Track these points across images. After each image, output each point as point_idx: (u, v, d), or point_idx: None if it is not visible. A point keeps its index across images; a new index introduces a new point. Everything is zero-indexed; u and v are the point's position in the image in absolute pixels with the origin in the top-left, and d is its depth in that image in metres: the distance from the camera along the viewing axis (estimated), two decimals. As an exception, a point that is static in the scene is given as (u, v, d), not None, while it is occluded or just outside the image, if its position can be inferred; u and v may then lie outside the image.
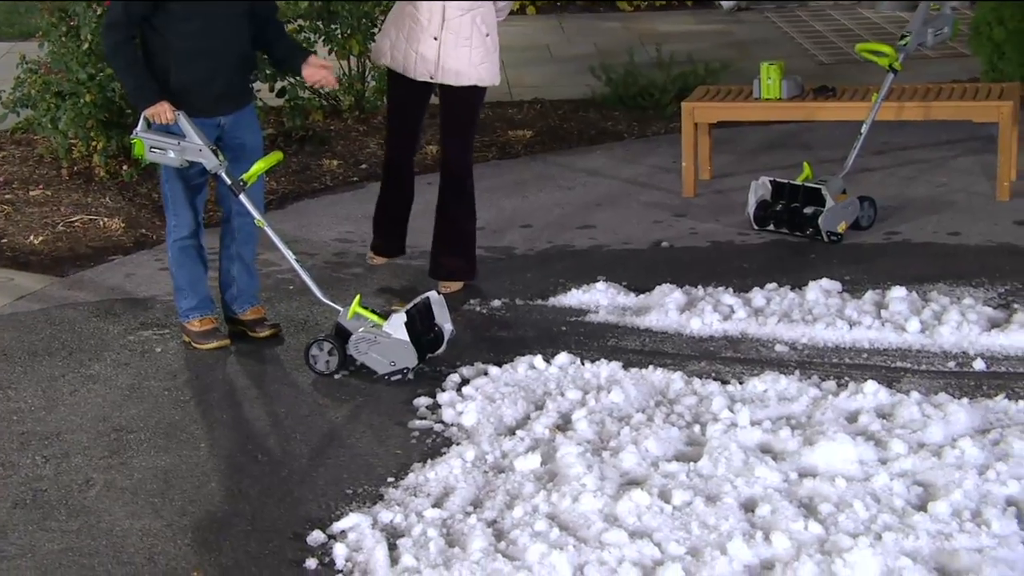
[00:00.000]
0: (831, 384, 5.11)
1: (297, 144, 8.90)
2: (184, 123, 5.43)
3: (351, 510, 4.39)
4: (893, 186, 7.61)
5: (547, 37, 12.48)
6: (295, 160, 8.68)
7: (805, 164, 7.02)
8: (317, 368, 5.46)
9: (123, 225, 7.57)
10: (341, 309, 5.48)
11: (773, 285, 6.10)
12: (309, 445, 4.94)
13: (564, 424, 4.89)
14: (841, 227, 6.76)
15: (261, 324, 5.89)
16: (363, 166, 8.62)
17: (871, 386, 4.95)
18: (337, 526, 4.28)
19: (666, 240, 7.01)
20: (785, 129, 8.80)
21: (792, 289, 6.03)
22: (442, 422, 5.05)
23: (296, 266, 5.64)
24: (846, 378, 5.16)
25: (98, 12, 7.95)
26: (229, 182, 5.51)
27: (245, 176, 5.52)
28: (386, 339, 5.32)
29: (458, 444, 4.83)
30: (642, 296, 6.12)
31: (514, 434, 4.85)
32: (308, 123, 9.08)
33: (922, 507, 4.15)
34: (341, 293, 6.38)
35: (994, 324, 5.54)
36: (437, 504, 4.39)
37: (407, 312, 5.39)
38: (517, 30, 12.87)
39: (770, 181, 7.01)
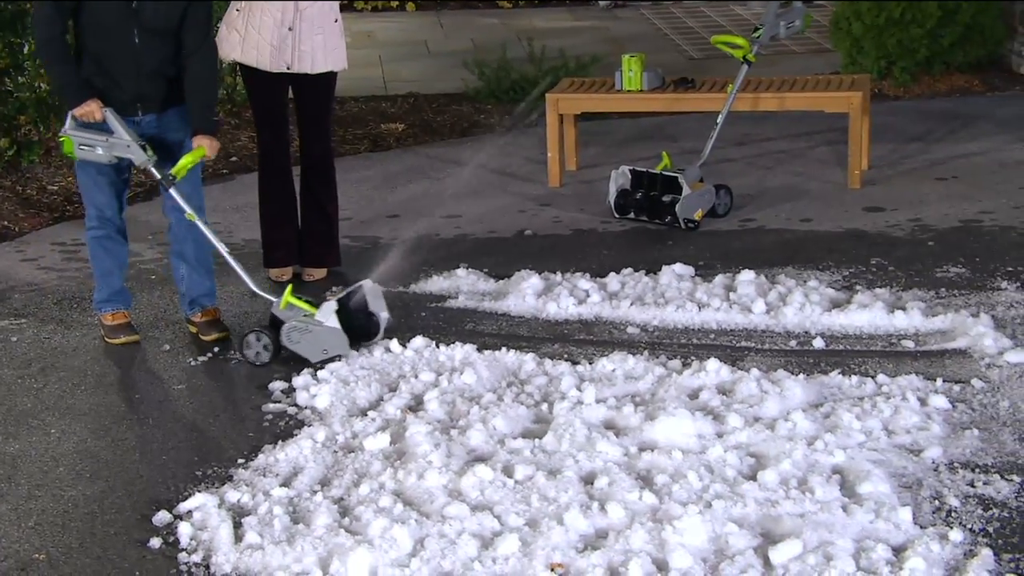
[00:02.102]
0: (676, 363, 5.26)
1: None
2: (112, 120, 5.38)
3: (199, 491, 4.42)
4: (751, 175, 7.82)
5: (425, 33, 12.57)
6: (165, 153, 8.65)
7: (664, 154, 7.19)
8: (252, 359, 5.43)
9: (-17, 217, 7.51)
10: (275, 300, 5.47)
11: (629, 270, 6.25)
12: (162, 430, 4.97)
13: (416, 405, 4.98)
14: (698, 214, 6.94)
15: (210, 327, 5.73)
16: (233, 159, 8.63)
17: (713, 364, 5.11)
18: (183, 506, 4.32)
19: (529, 229, 7.14)
20: (652, 121, 8.98)
21: (647, 274, 6.19)
22: (296, 405, 5.11)
23: (228, 258, 5.59)
24: (692, 357, 5.31)
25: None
26: (159, 176, 5.46)
27: (173, 171, 5.46)
28: (318, 327, 5.33)
29: (310, 426, 4.89)
30: (501, 282, 6.24)
31: (366, 415, 4.92)
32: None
33: (752, 476, 4.31)
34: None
35: (835, 305, 5.74)
36: (285, 483, 4.45)
37: (338, 300, 5.40)
38: (396, 26, 12.97)
39: (630, 170, 7.16)
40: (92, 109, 5.40)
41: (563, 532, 4.03)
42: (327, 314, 5.35)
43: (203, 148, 5.53)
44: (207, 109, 5.61)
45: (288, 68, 6.18)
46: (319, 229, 6.49)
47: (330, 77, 6.27)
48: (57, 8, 5.35)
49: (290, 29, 6.11)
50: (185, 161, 5.50)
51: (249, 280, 5.60)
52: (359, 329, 5.45)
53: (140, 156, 5.44)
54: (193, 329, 5.78)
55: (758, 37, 7.18)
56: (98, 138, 5.42)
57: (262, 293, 5.60)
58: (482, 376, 5.15)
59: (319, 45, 6.14)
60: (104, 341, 5.74)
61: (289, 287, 5.52)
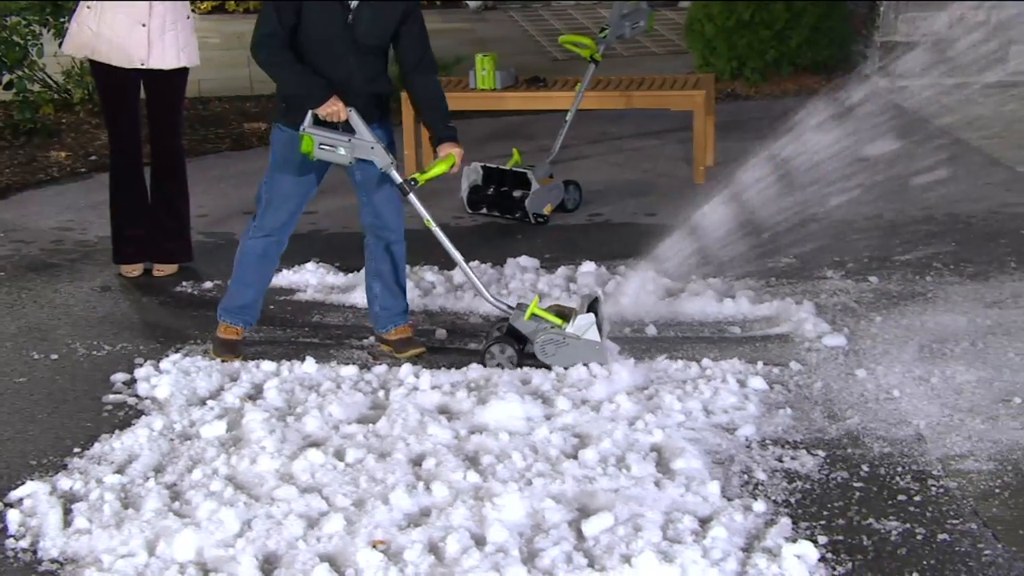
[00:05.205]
0: (512, 350, 5.42)
1: (25, 136, 8.85)
2: (356, 120, 5.20)
3: (31, 479, 4.46)
4: (603, 171, 8.03)
5: (295, 34, 12.61)
6: (22, 152, 8.64)
7: (514, 150, 7.37)
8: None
9: None
10: (513, 311, 5.35)
11: (476, 263, 6.39)
12: (-1, 422, 5.00)
13: (255, 393, 5.08)
14: (547, 209, 7.12)
15: (405, 344, 5.53)
16: (92, 157, 8.63)
17: (546, 350, 5.27)
18: (14, 494, 4.35)
19: (383, 224, 7.24)
20: (508, 120, 9.16)
21: (492, 266, 6.34)
22: (136, 396, 5.16)
23: (465, 268, 5.45)
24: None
25: None
26: (399, 181, 5.31)
27: (419, 176, 5.33)
28: (575, 341, 5.20)
29: (148, 415, 4.95)
30: (350, 275, 6.35)
31: (205, 404, 5.00)
32: (38, 116, 9.02)
33: (574, 455, 4.47)
34: (52, 279, 6.46)
35: (670, 294, 5.95)
36: (119, 471, 4.50)
37: (591, 312, 5.27)
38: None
39: (481, 166, 7.32)
40: (338, 108, 5.18)
41: (387, 511, 4.15)
42: (585, 327, 5.19)
43: (452, 156, 5.35)
44: (445, 118, 5.43)
45: (142, 65, 6.23)
46: (170, 226, 6.54)
47: (182, 73, 6.33)
48: (280, 23, 5.13)
49: (143, 26, 6.16)
50: (434, 170, 5.33)
51: (485, 291, 5.46)
52: None
53: (384, 158, 5.25)
54: (387, 348, 5.58)
55: (604, 37, 7.39)
56: (341, 138, 5.21)
57: (499, 305, 5.44)
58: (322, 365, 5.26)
59: (171, 42, 6.20)
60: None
61: (535, 299, 5.36)
